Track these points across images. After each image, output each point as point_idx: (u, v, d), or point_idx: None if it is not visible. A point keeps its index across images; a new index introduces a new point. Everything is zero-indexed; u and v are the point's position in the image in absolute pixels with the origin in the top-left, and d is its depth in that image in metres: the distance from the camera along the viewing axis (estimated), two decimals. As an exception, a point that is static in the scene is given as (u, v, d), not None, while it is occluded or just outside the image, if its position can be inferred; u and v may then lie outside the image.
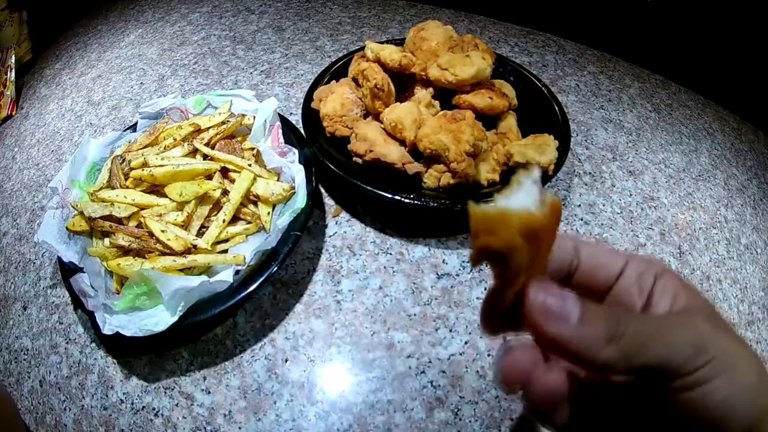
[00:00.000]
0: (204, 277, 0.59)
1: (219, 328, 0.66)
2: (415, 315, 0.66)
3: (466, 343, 0.64)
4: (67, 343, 0.68)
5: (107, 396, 0.62)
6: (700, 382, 0.28)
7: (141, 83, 1.10)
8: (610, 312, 0.27)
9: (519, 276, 0.26)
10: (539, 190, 0.25)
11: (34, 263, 0.78)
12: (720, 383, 0.28)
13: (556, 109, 0.81)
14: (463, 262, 0.71)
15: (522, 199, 0.25)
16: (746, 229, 0.81)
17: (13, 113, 1.10)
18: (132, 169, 0.70)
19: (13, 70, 1.13)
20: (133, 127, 0.83)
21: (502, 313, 0.29)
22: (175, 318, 0.57)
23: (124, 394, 0.62)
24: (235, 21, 1.27)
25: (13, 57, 1.15)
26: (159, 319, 0.57)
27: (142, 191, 0.69)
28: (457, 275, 0.70)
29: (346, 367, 0.62)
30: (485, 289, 0.68)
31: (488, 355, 0.62)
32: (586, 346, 0.27)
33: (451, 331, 0.65)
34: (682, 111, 1.01)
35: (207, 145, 0.73)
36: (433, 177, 0.70)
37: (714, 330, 0.29)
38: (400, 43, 0.86)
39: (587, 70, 1.09)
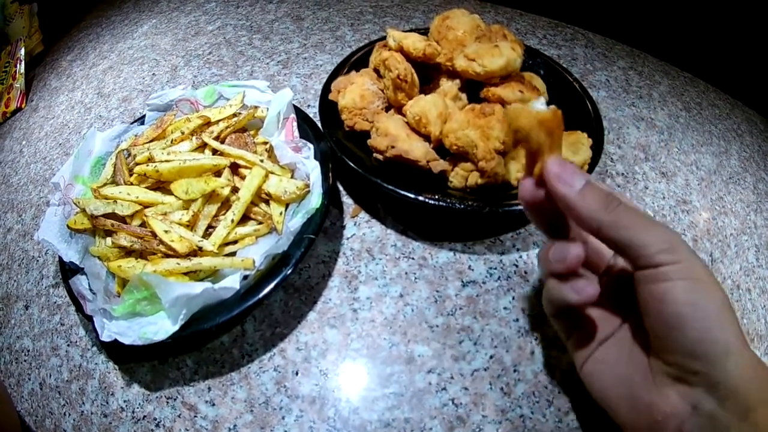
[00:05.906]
0: (208, 284, 0.55)
1: (226, 335, 0.62)
2: (437, 326, 0.61)
3: (491, 357, 0.59)
4: (68, 345, 0.65)
5: (107, 403, 0.59)
6: (664, 277, 0.34)
7: (153, 74, 1.06)
8: (608, 192, 0.37)
9: (542, 153, 0.39)
10: (544, 106, 0.40)
11: (37, 261, 0.76)
12: (682, 286, 0.33)
13: (589, 105, 0.76)
14: (490, 268, 0.66)
15: (534, 107, 0.39)
16: (775, 236, 0.76)
17: (23, 106, 1.08)
18: (137, 164, 0.66)
19: (23, 63, 1.11)
20: (141, 120, 0.79)
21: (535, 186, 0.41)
22: (176, 327, 0.53)
23: (124, 401, 0.59)
24: (252, 10, 1.23)
25: (23, 49, 1.13)
26: (159, 327, 0.53)
27: (146, 188, 0.65)
28: (484, 283, 0.65)
29: (361, 382, 0.58)
30: (513, 298, 0.63)
31: (514, 371, 0.57)
32: (587, 207, 0.36)
33: (475, 344, 0.60)
34: (711, 110, 0.96)
35: (216, 138, 0.69)
36: (460, 176, 0.65)
37: (691, 253, 0.35)
38: (424, 32, 0.81)
39: (617, 65, 1.03)
